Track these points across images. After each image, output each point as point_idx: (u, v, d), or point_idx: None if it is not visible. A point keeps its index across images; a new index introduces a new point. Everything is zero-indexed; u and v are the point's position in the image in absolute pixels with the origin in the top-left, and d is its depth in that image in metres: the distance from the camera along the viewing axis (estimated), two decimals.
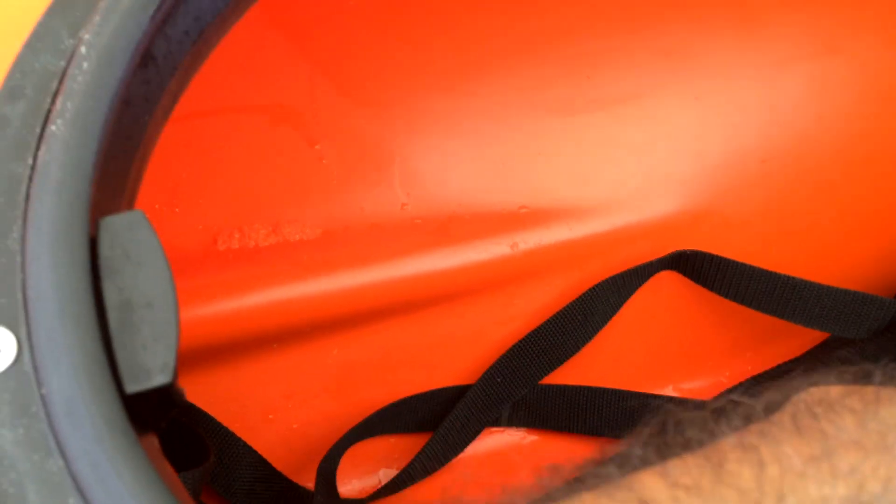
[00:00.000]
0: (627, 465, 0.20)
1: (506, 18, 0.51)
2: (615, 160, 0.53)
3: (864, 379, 0.23)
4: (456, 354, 0.52)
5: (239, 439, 0.48)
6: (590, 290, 0.48)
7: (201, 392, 0.49)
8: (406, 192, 0.51)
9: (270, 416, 0.52)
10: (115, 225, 0.19)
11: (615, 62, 0.53)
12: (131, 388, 0.18)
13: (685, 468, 0.20)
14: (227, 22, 0.26)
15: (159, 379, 0.18)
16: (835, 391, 0.23)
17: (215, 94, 0.47)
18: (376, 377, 0.52)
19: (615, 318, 0.49)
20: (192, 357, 0.48)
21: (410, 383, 0.52)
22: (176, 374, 0.18)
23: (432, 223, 0.51)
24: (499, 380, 0.48)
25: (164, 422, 0.20)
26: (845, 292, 0.45)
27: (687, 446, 0.21)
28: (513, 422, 0.50)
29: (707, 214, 0.52)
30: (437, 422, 0.49)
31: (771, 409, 0.22)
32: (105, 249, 0.19)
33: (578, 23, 0.52)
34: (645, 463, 0.20)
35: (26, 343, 0.18)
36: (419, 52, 0.51)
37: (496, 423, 0.50)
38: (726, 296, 0.47)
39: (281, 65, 0.49)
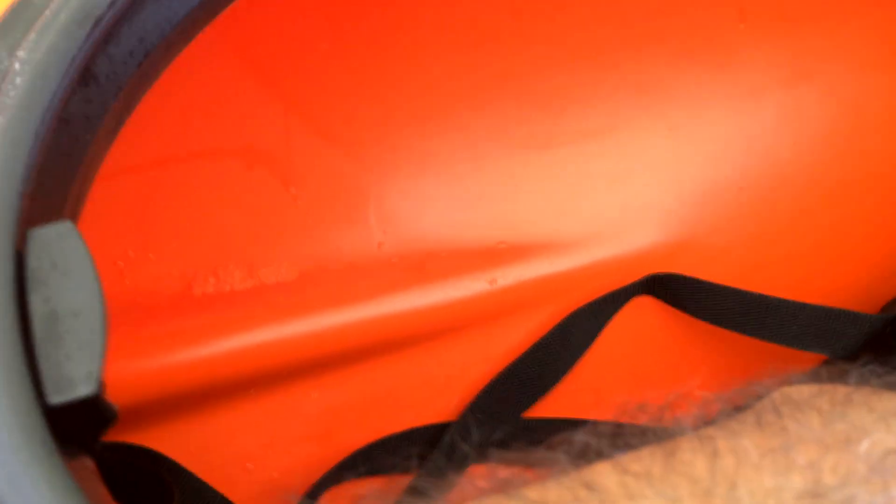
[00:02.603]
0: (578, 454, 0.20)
1: (477, 57, 0.52)
2: (592, 193, 0.53)
3: (840, 379, 0.23)
4: (438, 393, 0.51)
5: (216, 492, 0.47)
6: (565, 318, 0.47)
7: (176, 442, 0.48)
8: (382, 231, 0.51)
9: (249, 466, 0.51)
10: (43, 236, 0.18)
11: (587, 96, 0.53)
12: (55, 399, 0.17)
13: (636, 456, 0.19)
14: (174, 45, 0.26)
15: (83, 389, 0.17)
16: (805, 390, 0.22)
17: (187, 138, 0.47)
18: (358, 420, 0.51)
19: (595, 348, 0.48)
20: (167, 405, 0.47)
21: (394, 424, 0.51)
22: (102, 385, 0.18)
23: (410, 261, 0.51)
24: (479, 416, 0.47)
25: (97, 442, 0.19)
26: (821, 308, 0.44)
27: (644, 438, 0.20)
28: (496, 457, 0.48)
29: (686, 244, 0.52)
30: (419, 461, 0.48)
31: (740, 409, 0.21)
32: (32, 261, 0.18)
33: (550, 59, 0.53)
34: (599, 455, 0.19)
35: None
36: (393, 91, 0.51)
37: (480, 459, 0.49)
38: (701, 317, 0.46)
39: (253, 107, 0.49)
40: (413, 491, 0.46)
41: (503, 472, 0.50)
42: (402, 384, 0.50)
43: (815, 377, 0.23)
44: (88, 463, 0.19)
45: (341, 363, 0.50)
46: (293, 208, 0.50)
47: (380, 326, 0.49)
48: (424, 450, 0.48)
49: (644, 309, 0.50)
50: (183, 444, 0.48)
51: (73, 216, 0.22)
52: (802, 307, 0.44)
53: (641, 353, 0.51)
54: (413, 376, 0.50)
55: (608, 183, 0.53)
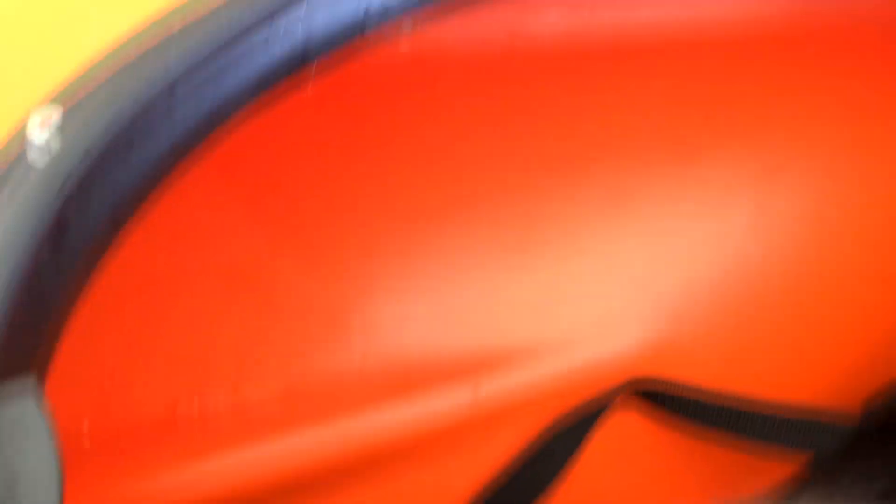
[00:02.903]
0: None
1: (451, 174, 0.54)
2: (570, 297, 0.54)
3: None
4: None
5: None
6: (548, 428, 0.47)
7: None
8: (366, 345, 0.52)
9: None
10: (6, 393, 0.19)
11: (560, 203, 0.55)
12: None
13: None
14: (146, 191, 0.27)
15: None
16: None
17: (170, 259, 0.49)
18: None
19: (581, 458, 0.48)
20: None
21: None
22: None
23: (394, 373, 0.51)
24: None
25: None
26: (804, 422, 0.44)
27: None
28: None
29: (667, 343, 0.52)
30: None
31: None
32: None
33: (521, 172, 0.54)
34: None
35: None
36: (372, 212, 0.53)
37: None
38: (683, 417, 0.47)
39: (237, 228, 0.51)
40: None
41: None
42: (388, 498, 0.50)
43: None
44: None
45: (326, 480, 0.49)
46: (277, 326, 0.51)
47: (364, 441, 0.49)
48: None
49: (627, 418, 0.51)
50: None
51: (45, 361, 0.23)
52: (784, 408, 0.44)
53: (626, 461, 0.51)
54: (400, 492, 0.50)
55: (586, 287, 0.54)
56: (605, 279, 0.54)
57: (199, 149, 0.30)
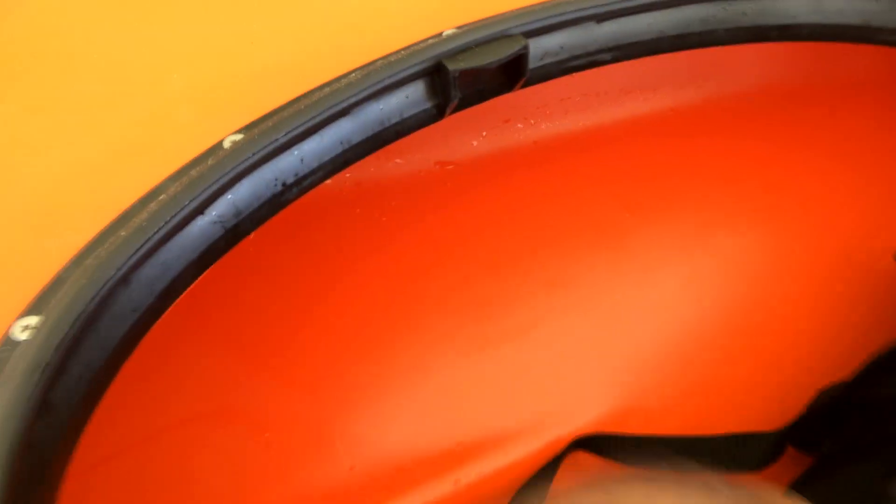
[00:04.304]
0: None
1: (408, 289, 0.60)
2: (534, 382, 0.59)
3: None
4: None
5: None
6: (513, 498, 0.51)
7: None
8: (351, 456, 0.57)
9: None
10: None
11: (510, 298, 0.60)
12: None
13: None
14: (121, 357, 0.33)
15: None
16: None
17: (169, 408, 0.54)
18: None
19: None
20: None
21: None
22: None
23: (380, 478, 0.56)
24: None
25: None
26: (731, 436, 0.49)
27: None
28: None
29: (622, 412, 0.57)
30: None
31: None
32: None
33: (471, 276, 0.61)
34: None
35: None
36: (342, 335, 0.59)
37: None
38: (628, 463, 0.51)
39: (223, 370, 0.57)
40: None
41: None
42: None
43: None
44: None
45: None
46: (269, 452, 0.56)
47: None
48: None
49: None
50: None
51: None
52: (717, 438, 0.49)
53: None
54: None
55: (546, 370, 0.59)
56: (562, 361, 0.59)
57: (161, 313, 0.37)
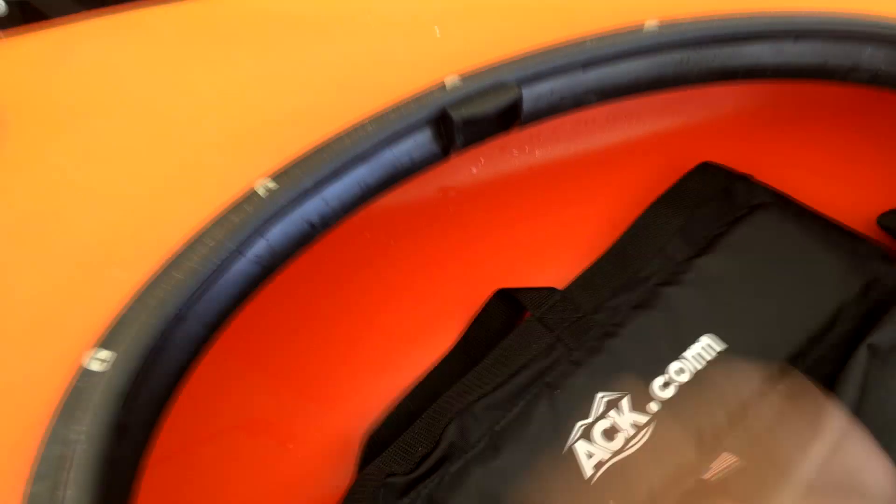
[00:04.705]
0: None
1: (416, 308, 0.65)
2: None
3: None
4: None
5: None
6: None
7: None
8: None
9: None
10: None
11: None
12: None
13: None
14: (181, 384, 0.39)
15: None
16: None
17: (204, 422, 0.60)
18: None
19: None
20: None
21: None
22: None
23: None
24: None
25: None
26: None
27: None
28: None
29: None
30: None
31: None
32: None
33: (477, 293, 0.66)
34: None
35: None
36: (357, 351, 0.64)
37: None
38: None
39: (249, 387, 0.62)
40: None
41: None
42: None
43: None
44: None
45: None
46: (292, 461, 0.61)
47: None
48: None
49: None
50: None
51: None
52: None
53: None
54: None
55: None
56: None
57: (209, 342, 0.42)
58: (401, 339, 0.65)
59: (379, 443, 0.60)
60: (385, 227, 0.65)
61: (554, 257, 0.67)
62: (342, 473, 0.61)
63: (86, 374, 0.36)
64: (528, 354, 0.61)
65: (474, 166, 0.68)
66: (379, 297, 0.65)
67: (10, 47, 0.52)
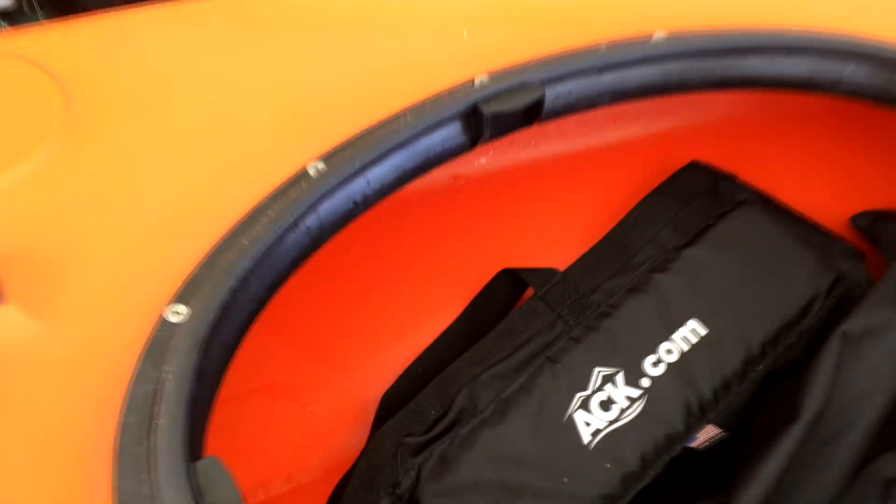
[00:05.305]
0: None
1: (426, 282, 0.70)
2: None
3: None
4: None
5: None
6: None
7: None
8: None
9: None
10: (203, 465, 0.35)
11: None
12: None
13: None
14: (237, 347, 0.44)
15: None
16: None
17: (229, 386, 0.64)
18: None
19: None
20: None
21: None
22: None
23: None
24: None
25: None
26: None
27: None
28: None
29: None
30: None
31: None
32: (200, 479, 0.34)
33: (483, 273, 0.71)
34: None
35: None
36: (371, 321, 0.69)
37: None
38: None
39: (273, 353, 0.66)
40: None
41: None
42: None
43: None
44: None
45: None
46: (312, 424, 0.66)
47: None
48: None
49: None
50: None
51: (203, 446, 0.38)
52: None
53: None
54: None
55: None
56: None
57: (268, 301, 0.47)
58: (412, 312, 0.70)
59: (393, 406, 0.65)
60: (400, 209, 0.70)
61: (555, 241, 0.73)
62: (359, 434, 0.66)
63: (165, 324, 0.41)
64: (532, 330, 0.66)
65: (484, 157, 0.73)
66: (393, 274, 0.70)
67: (67, 32, 0.56)
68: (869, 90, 0.56)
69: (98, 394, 0.40)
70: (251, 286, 0.44)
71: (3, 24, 0.76)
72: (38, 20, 0.76)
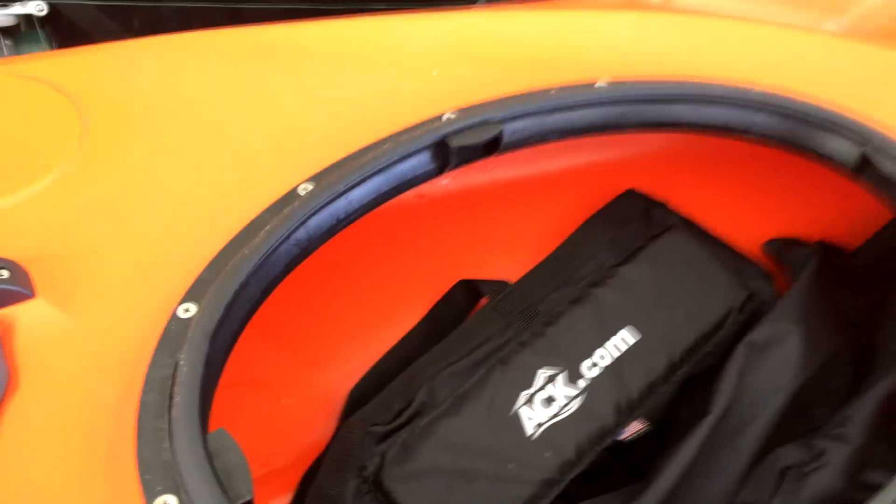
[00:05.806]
0: None
1: (391, 289, 0.79)
2: None
3: None
4: None
5: None
6: None
7: None
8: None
9: None
10: (215, 435, 0.42)
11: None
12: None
13: None
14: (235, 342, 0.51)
15: (247, 497, 0.41)
16: None
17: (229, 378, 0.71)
18: None
19: None
20: None
21: None
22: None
23: None
24: None
25: None
26: None
27: None
28: None
29: None
30: None
31: None
32: (212, 445, 0.42)
33: (441, 282, 0.80)
34: None
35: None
36: (342, 322, 0.77)
37: None
38: None
39: (253, 351, 0.73)
40: None
41: None
42: None
43: None
44: None
45: None
46: (287, 415, 0.74)
47: None
48: None
49: None
50: None
51: (208, 420, 0.46)
52: None
53: None
54: None
55: None
56: None
57: (262, 303, 0.54)
58: (380, 316, 0.78)
59: (359, 400, 0.73)
60: (370, 223, 0.78)
61: (508, 256, 0.82)
62: (328, 424, 0.73)
63: (176, 319, 0.48)
64: (485, 334, 0.75)
65: (445, 179, 0.81)
66: (363, 281, 0.78)
67: (82, 59, 0.63)
68: (777, 136, 0.66)
69: (118, 377, 0.47)
70: (249, 289, 0.51)
71: (4, 41, 0.82)
72: (38, 39, 0.82)
